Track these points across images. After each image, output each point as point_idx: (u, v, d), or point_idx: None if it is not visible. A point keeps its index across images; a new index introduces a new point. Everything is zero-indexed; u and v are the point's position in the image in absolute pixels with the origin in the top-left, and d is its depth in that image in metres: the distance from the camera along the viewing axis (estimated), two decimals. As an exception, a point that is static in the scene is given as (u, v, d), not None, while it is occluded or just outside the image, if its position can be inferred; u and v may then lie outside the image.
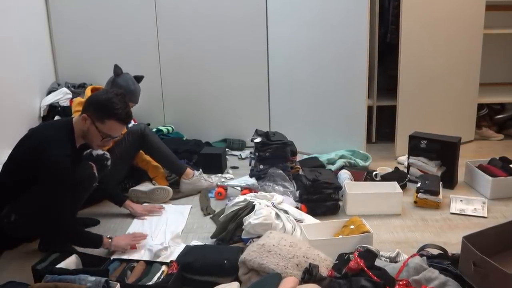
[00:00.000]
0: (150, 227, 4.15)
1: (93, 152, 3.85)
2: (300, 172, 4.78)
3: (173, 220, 4.29)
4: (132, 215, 4.35)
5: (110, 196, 4.38)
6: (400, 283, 2.85)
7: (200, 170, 4.99)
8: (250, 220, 3.58)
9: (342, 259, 3.13)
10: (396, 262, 3.23)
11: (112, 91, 3.70)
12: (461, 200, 4.45)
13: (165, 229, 4.10)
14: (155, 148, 4.78)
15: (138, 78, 4.85)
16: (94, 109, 3.57)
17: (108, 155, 3.98)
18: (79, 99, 4.61)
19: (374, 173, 4.88)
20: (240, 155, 5.89)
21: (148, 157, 4.87)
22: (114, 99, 3.58)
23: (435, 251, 3.25)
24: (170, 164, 4.88)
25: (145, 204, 4.56)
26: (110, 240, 3.64)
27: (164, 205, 4.57)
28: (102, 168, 3.89)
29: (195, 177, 4.85)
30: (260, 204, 3.79)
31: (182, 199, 4.76)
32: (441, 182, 4.56)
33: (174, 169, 4.90)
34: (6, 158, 3.65)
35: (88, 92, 4.60)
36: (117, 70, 4.72)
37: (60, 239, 3.61)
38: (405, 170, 5.04)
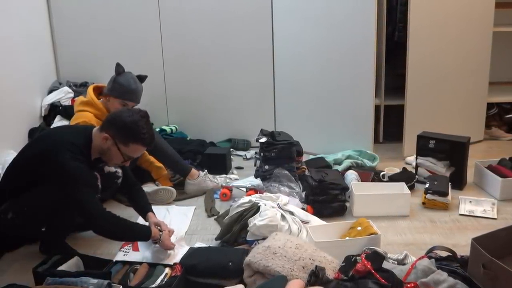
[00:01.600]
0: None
1: (105, 168, 3.79)
2: (306, 172, 4.79)
3: (176, 221, 4.28)
4: (136, 216, 4.34)
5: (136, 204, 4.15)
6: (408, 285, 2.85)
7: (206, 170, 4.98)
8: (255, 221, 3.58)
9: (349, 261, 3.12)
10: (404, 264, 3.23)
11: (137, 112, 3.60)
12: (470, 201, 4.44)
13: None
14: (159, 149, 4.76)
15: (141, 78, 4.82)
16: (117, 130, 3.51)
17: (120, 173, 3.89)
18: (81, 98, 4.62)
19: (382, 173, 4.88)
20: (245, 155, 5.90)
21: (151, 158, 4.86)
22: (140, 122, 3.51)
23: (444, 253, 3.25)
24: (174, 165, 4.89)
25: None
26: (161, 233, 3.62)
27: (167, 206, 4.58)
28: (112, 186, 3.86)
29: (200, 177, 4.85)
30: (265, 205, 3.79)
31: (186, 200, 4.76)
32: (449, 183, 4.56)
33: (179, 170, 4.91)
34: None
35: (90, 91, 4.60)
36: (119, 69, 4.70)
37: (109, 236, 3.56)
38: (413, 171, 5.03)
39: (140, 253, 3.73)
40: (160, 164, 4.87)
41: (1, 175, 3.75)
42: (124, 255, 3.72)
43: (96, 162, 3.70)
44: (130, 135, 3.51)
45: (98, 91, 4.71)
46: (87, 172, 3.46)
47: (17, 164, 3.62)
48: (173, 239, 3.88)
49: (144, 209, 3.96)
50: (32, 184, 3.43)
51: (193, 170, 4.87)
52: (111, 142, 3.52)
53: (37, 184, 3.41)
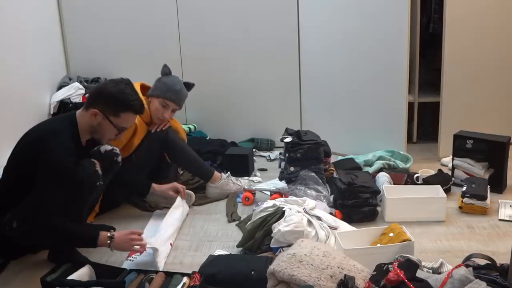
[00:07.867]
0: (166, 230, 4.11)
1: (101, 149, 3.88)
2: (335, 174, 4.79)
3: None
4: (146, 218, 4.39)
5: (133, 186, 4.48)
6: (444, 296, 2.86)
7: (228, 172, 4.98)
8: (280, 227, 3.58)
9: (381, 270, 3.13)
10: (439, 273, 3.24)
11: (120, 81, 3.71)
12: (510, 206, 4.43)
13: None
14: (180, 151, 4.79)
15: (189, 85, 4.86)
16: (106, 103, 3.60)
17: (117, 150, 4.00)
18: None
19: (416, 175, 4.87)
20: (269, 156, 5.92)
21: None
22: (126, 89, 3.63)
23: (482, 261, 3.24)
24: (197, 169, 4.89)
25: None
26: (109, 241, 3.50)
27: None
28: (113, 165, 3.93)
29: (223, 180, 4.85)
30: (290, 209, 3.80)
31: (207, 204, 4.77)
32: (488, 186, 4.55)
33: (202, 174, 4.89)
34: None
35: (137, 88, 4.60)
36: (165, 70, 4.74)
37: (49, 238, 3.55)
38: (449, 173, 5.02)
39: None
40: None
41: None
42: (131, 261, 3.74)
43: (89, 145, 3.80)
44: (119, 105, 3.62)
45: (145, 90, 4.77)
46: (73, 169, 3.48)
47: (9, 165, 3.66)
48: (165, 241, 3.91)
49: (146, 186, 4.38)
50: (25, 182, 3.45)
51: (216, 173, 4.86)
52: (101, 117, 3.60)
53: (31, 184, 3.42)
